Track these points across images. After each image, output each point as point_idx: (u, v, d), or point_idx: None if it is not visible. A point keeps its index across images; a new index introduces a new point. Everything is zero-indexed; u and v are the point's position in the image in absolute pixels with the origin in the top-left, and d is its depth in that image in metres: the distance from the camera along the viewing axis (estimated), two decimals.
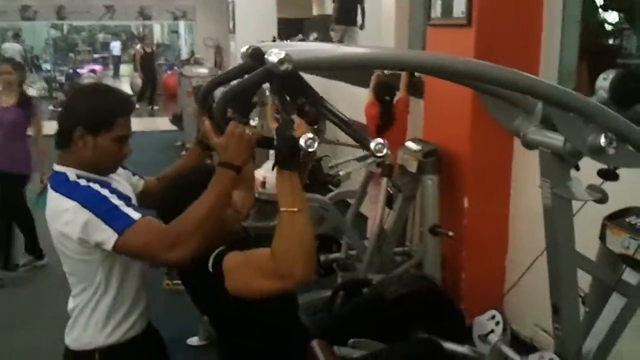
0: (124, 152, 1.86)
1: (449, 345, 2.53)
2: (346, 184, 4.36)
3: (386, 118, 4.52)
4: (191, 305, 3.73)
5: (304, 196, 1.67)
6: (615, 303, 2.36)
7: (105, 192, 1.72)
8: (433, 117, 4.18)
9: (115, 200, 1.71)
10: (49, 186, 1.82)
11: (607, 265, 2.43)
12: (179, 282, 4.09)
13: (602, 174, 2.12)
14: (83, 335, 1.85)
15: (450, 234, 3.68)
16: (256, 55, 1.69)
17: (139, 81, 15.17)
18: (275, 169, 1.65)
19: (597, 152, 1.96)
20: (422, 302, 2.36)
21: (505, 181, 3.86)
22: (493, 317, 2.62)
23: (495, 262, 3.92)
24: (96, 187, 1.73)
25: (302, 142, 1.58)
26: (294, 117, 1.64)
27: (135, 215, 1.69)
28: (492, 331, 2.58)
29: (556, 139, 2.06)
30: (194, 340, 3.90)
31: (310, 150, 1.59)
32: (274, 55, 1.52)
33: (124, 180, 1.98)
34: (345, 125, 1.72)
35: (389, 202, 4.09)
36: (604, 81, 2.05)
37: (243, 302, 1.78)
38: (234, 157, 1.67)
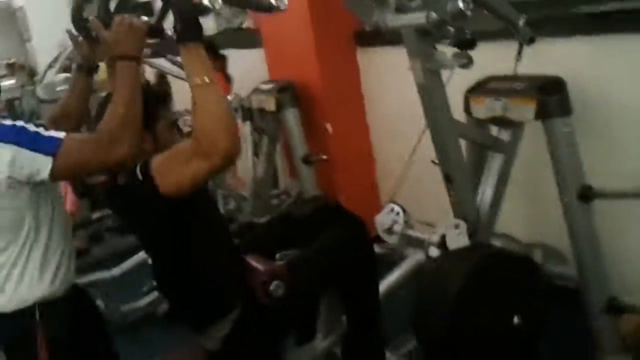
0: None
1: None
2: None
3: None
4: None
5: (212, 69, 1.66)
6: (495, 161, 2.60)
7: (19, 122, 1.61)
8: (276, 60, 4.24)
9: (33, 127, 1.60)
10: None
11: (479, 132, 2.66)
12: None
13: (459, 43, 2.30)
14: (18, 292, 1.70)
15: (324, 157, 3.80)
16: None
17: None
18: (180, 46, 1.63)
19: (459, 17, 2.12)
20: (329, 217, 2.42)
21: (358, 100, 4.04)
22: (392, 209, 2.77)
23: (366, 178, 4.12)
24: (7, 121, 1.61)
25: (205, 1, 1.56)
26: None
27: (59, 134, 1.60)
28: (394, 222, 2.73)
29: (418, 17, 2.21)
30: None
31: (216, 7, 1.57)
32: None
33: None
34: None
35: (255, 149, 4.14)
36: None
37: (178, 210, 1.76)
38: (128, 48, 1.66)
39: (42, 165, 1.56)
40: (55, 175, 1.59)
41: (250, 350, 2.03)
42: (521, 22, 2.39)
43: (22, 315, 1.71)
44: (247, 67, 4.56)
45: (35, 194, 1.66)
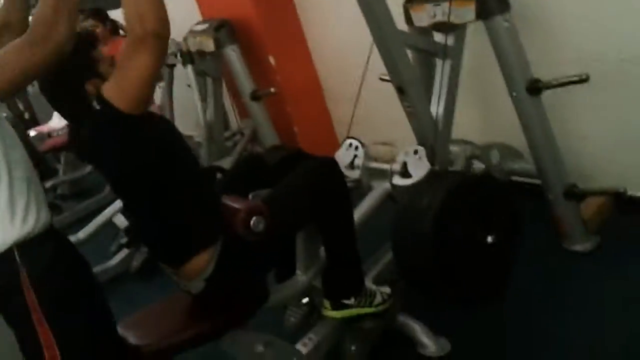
0: None
1: None
2: None
3: None
4: None
5: None
6: (443, 68, 2.62)
7: None
8: None
9: None
10: None
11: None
12: None
13: None
14: None
15: (272, 90, 3.76)
16: None
17: None
18: None
19: None
20: (296, 161, 2.41)
21: (297, 29, 3.98)
22: (350, 145, 2.77)
23: (317, 106, 4.11)
24: None
25: None
26: None
27: None
28: (355, 156, 2.74)
29: None
30: None
31: None
32: None
33: None
34: None
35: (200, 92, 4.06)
36: None
37: (146, 136, 1.78)
38: None
39: None
40: (2, 95, 1.56)
41: (234, 288, 2.04)
42: None
43: (2, 260, 1.65)
44: (175, 10, 4.37)
45: None
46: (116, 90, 1.73)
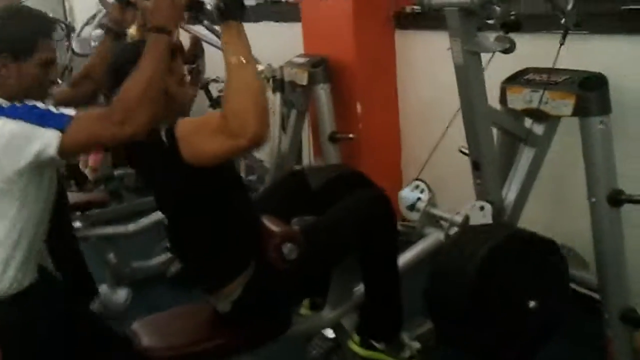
0: (51, 78, 1.73)
1: None
2: None
3: None
4: (95, 251, 3.57)
5: (250, 48, 1.63)
6: (527, 154, 2.54)
7: (30, 103, 1.59)
8: (313, 35, 4.18)
9: (43, 105, 1.59)
10: None
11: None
12: None
13: (505, 25, 2.24)
14: None
15: (351, 136, 3.76)
16: None
17: None
18: (221, 22, 1.62)
19: None
20: (347, 185, 2.37)
21: (392, 83, 3.98)
22: (417, 187, 2.71)
23: (391, 161, 4.07)
24: (19, 104, 1.59)
25: None
26: None
27: (70, 111, 1.56)
28: (418, 199, 2.68)
29: None
30: (103, 288, 3.70)
31: None
32: None
33: None
34: None
35: (283, 122, 4.09)
36: None
37: (199, 175, 1.75)
38: (164, 20, 1.59)
39: (49, 140, 1.52)
40: (63, 151, 1.55)
41: (258, 315, 2.01)
42: (570, 5, 2.27)
43: None
44: (283, 40, 4.51)
45: (30, 181, 1.61)
46: (188, 142, 1.72)
